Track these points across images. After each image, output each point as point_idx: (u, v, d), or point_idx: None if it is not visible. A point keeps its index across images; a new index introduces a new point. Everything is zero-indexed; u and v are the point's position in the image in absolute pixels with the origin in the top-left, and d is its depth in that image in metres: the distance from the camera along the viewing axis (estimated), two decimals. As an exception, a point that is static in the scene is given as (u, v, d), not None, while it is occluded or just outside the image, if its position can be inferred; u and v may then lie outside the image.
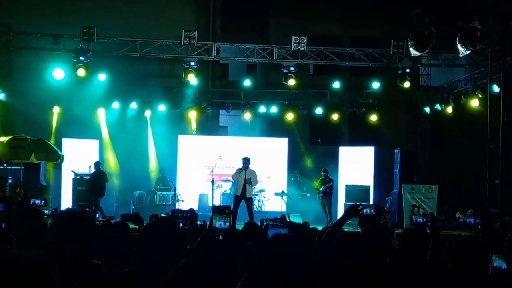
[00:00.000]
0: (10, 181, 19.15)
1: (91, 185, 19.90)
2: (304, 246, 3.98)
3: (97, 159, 21.60)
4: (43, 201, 8.04)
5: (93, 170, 20.44)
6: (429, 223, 6.34)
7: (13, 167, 19.62)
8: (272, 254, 3.65)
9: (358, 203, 6.62)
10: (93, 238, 4.72)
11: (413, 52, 16.24)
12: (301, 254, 3.67)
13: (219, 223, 6.00)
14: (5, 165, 19.51)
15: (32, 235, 5.90)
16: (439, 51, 20.15)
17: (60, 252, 3.57)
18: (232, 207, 18.06)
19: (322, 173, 20.72)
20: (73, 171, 20.83)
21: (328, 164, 21.92)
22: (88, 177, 20.34)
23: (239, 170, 18.14)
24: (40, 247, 3.75)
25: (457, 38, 15.25)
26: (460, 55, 16.61)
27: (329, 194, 20.38)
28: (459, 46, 15.24)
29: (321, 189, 20.28)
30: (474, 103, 20.71)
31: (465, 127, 22.59)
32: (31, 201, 8.50)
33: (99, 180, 19.93)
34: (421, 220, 6.50)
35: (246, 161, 18.13)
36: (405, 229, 7.67)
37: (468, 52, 15.65)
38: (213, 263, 3.63)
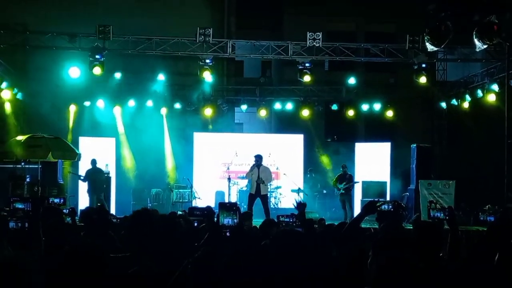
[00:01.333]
0: (28, 180, 19.28)
1: (89, 182, 19.98)
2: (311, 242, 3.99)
3: (113, 157, 21.74)
4: (61, 200, 8.09)
5: (106, 168, 20.62)
6: (447, 217, 6.30)
7: (30, 166, 19.74)
8: (279, 250, 3.66)
9: (375, 200, 6.59)
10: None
11: (429, 47, 16.13)
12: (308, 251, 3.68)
13: (226, 220, 6.00)
14: (22, 164, 19.64)
15: (56, 232, 5.96)
16: (455, 45, 20.01)
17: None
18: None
19: (341, 169, 20.65)
20: (71, 172, 21.00)
21: (344, 161, 21.88)
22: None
23: (252, 168, 18.10)
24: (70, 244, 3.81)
25: (474, 32, 15.13)
26: (477, 50, 16.47)
27: (349, 191, 20.33)
28: (475, 40, 15.11)
29: (341, 186, 20.13)
30: (491, 97, 20.59)
31: (482, 122, 22.44)
32: (50, 200, 8.55)
33: (94, 178, 20.01)
34: (439, 214, 6.46)
35: (258, 158, 18.07)
36: (420, 222, 7.62)
37: (484, 46, 15.52)
38: (220, 260, 3.63)
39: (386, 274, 3.58)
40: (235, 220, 6.03)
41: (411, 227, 9.10)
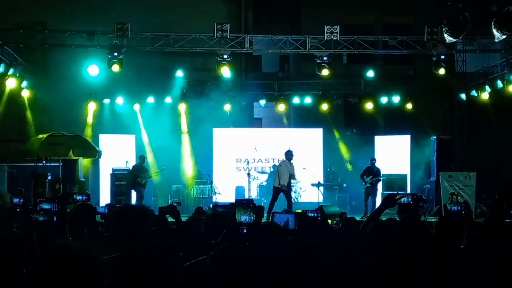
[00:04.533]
0: (49, 177, 19.44)
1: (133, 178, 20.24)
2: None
3: (133, 154, 21.88)
4: (84, 197, 8.14)
5: (129, 165, 20.79)
6: (463, 211, 6.30)
7: (52, 164, 19.91)
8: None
9: (395, 193, 6.58)
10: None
11: (448, 38, 16.04)
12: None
13: (243, 217, 6.01)
14: (44, 162, 19.81)
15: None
16: (474, 36, 19.85)
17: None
18: (271, 198, 18.21)
19: (369, 162, 20.60)
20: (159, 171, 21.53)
21: (364, 154, 21.85)
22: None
23: (281, 164, 18.43)
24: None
25: (492, 22, 15.02)
26: (496, 40, 16.34)
27: (375, 185, 20.26)
28: (494, 30, 14.99)
29: (368, 179, 20.06)
30: (511, 88, 20.44)
31: (502, 113, 22.29)
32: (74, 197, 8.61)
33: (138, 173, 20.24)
34: (455, 208, 6.46)
35: (289, 154, 18.35)
36: (440, 217, 7.61)
37: (503, 36, 15.39)
38: (239, 254, 3.65)
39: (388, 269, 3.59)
40: (252, 217, 6.05)
41: (434, 220, 9.09)
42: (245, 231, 5.76)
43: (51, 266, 2.77)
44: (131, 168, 20.65)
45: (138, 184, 20.08)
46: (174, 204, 15.28)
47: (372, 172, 20.22)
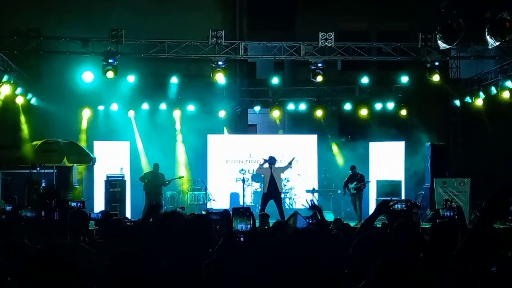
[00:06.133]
0: (43, 184, 19.38)
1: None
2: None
3: (127, 160, 21.85)
4: (79, 204, 8.14)
5: (124, 172, 20.75)
6: (456, 216, 6.31)
7: (46, 171, 19.85)
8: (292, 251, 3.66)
9: (389, 199, 6.57)
10: None
11: (442, 45, 16.08)
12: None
13: (240, 226, 6.00)
14: (38, 168, 19.75)
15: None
16: (468, 43, 19.92)
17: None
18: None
19: (350, 170, 20.65)
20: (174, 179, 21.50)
21: (358, 160, 21.86)
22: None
23: (262, 165, 18.30)
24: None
25: (486, 29, 15.07)
26: (490, 47, 16.38)
27: (360, 191, 20.30)
28: (488, 37, 15.03)
29: (352, 186, 20.16)
30: (505, 94, 20.51)
31: (497, 119, 22.36)
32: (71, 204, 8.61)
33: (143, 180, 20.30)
34: (448, 213, 6.47)
35: (272, 159, 18.16)
36: (436, 223, 7.59)
37: (497, 43, 15.44)
38: (234, 263, 3.64)
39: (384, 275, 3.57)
40: (249, 226, 6.04)
41: (428, 226, 9.09)
42: (242, 239, 5.75)
43: (38, 267, 2.77)
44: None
45: (147, 192, 20.10)
46: (179, 209, 15.31)
47: (356, 178, 20.29)
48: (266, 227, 8.85)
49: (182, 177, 21.59)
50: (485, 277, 3.79)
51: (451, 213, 6.42)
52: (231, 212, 6.30)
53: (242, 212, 6.15)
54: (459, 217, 6.24)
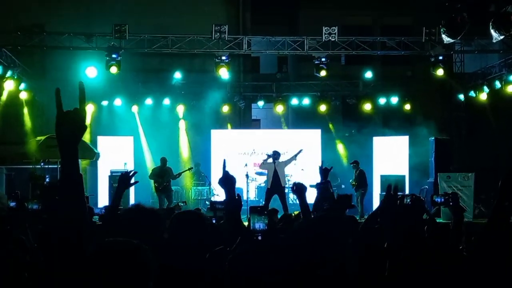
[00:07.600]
0: (47, 180, 19.40)
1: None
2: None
3: (131, 156, 21.83)
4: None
5: (127, 167, 20.71)
6: (451, 203, 6.28)
7: (50, 166, 19.87)
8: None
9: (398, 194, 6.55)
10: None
11: (446, 39, 16.05)
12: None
13: (257, 225, 5.99)
14: (42, 164, 19.77)
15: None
16: (472, 37, 19.88)
17: None
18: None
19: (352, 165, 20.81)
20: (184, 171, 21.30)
21: (362, 155, 21.85)
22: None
23: (265, 160, 18.27)
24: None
25: (490, 23, 15.02)
26: (494, 41, 16.35)
27: (360, 185, 20.33)
28: (492, 31, 15.00)
29: (350, 181, 20.43)
30: (510, 88, 20.45)
31: (501, 113, 22.31)
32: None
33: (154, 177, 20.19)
34: (439, 200, 6.46)
35: (276, 154, 18.10)
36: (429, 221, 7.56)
37: (501, 37, 15.41)
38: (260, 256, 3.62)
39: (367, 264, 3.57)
40: (265, 224, 6.04)
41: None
42: (259, 238, 5.74)
43: (100, 266, 2.76)
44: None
45: (157, 189, 19.97)
46: (180, 204, 15.27)
47: (354, 175, 20.47)
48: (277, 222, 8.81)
49: (191, 168, 21.50)
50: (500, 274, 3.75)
51: (443, 199, 6.40)
52: (247, 209, 6.29)
53: (259, 210, 6.15)
54: (453, 202, 6.22)
